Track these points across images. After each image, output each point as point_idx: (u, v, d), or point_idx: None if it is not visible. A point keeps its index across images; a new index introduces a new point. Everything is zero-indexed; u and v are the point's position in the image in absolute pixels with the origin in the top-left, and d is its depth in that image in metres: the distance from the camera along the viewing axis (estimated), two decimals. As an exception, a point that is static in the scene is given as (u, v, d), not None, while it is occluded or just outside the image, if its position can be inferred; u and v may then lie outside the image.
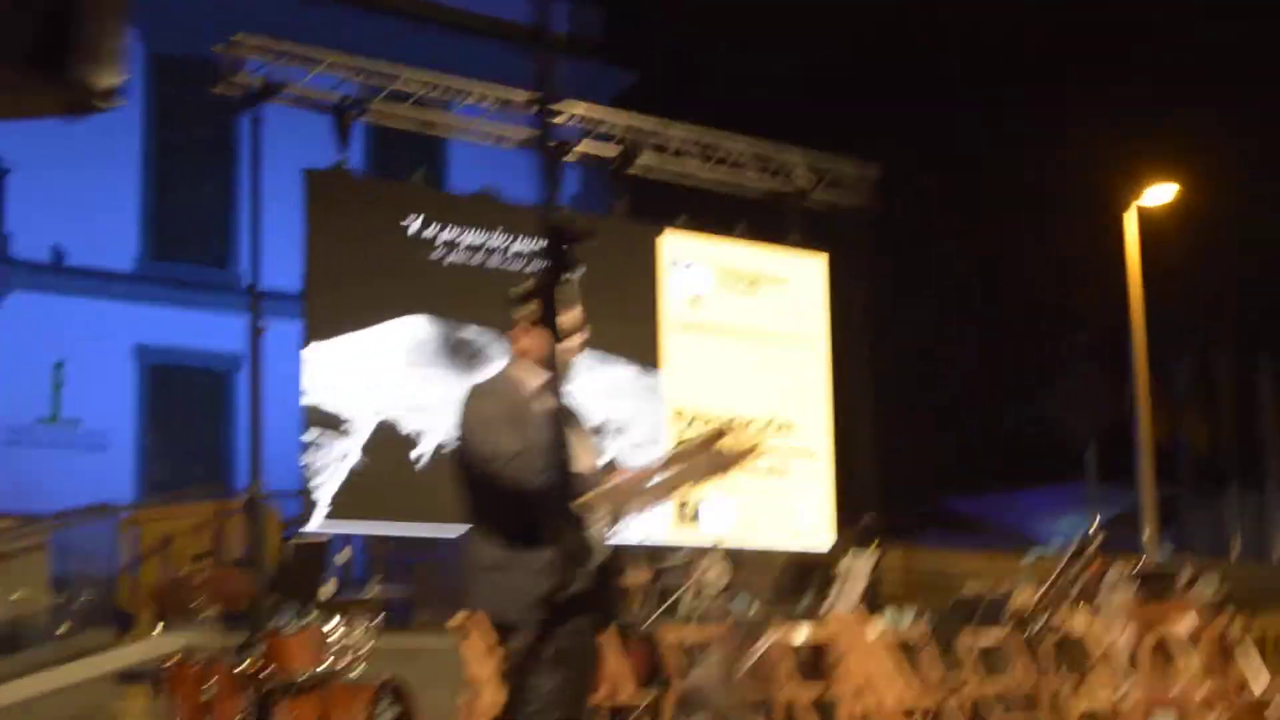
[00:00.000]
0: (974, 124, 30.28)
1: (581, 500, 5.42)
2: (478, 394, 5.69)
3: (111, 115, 3.43)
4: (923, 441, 24.12)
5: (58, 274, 20.65)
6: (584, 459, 5.64)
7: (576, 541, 5.48)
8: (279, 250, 13.10)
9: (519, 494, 5.37)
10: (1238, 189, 25.47)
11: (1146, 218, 20.28)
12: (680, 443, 5.52)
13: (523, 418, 5.52)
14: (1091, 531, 9.73)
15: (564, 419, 5.79)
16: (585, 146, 13.91)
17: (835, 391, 15.14)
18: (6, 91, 3.16)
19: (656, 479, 5.57)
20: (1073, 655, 9.79)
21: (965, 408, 30.21)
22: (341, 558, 9.46)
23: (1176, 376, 25.65)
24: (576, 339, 5.80)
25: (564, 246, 3.61)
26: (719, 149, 14.60)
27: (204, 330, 21.27)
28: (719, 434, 5.60)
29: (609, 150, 14.02)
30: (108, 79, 3.16)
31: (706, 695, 7.44)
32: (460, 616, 8.32)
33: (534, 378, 5.67)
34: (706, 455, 5.61)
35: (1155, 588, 11.06)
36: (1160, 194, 20.29)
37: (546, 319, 3.53)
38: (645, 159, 14.12)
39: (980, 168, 29.02)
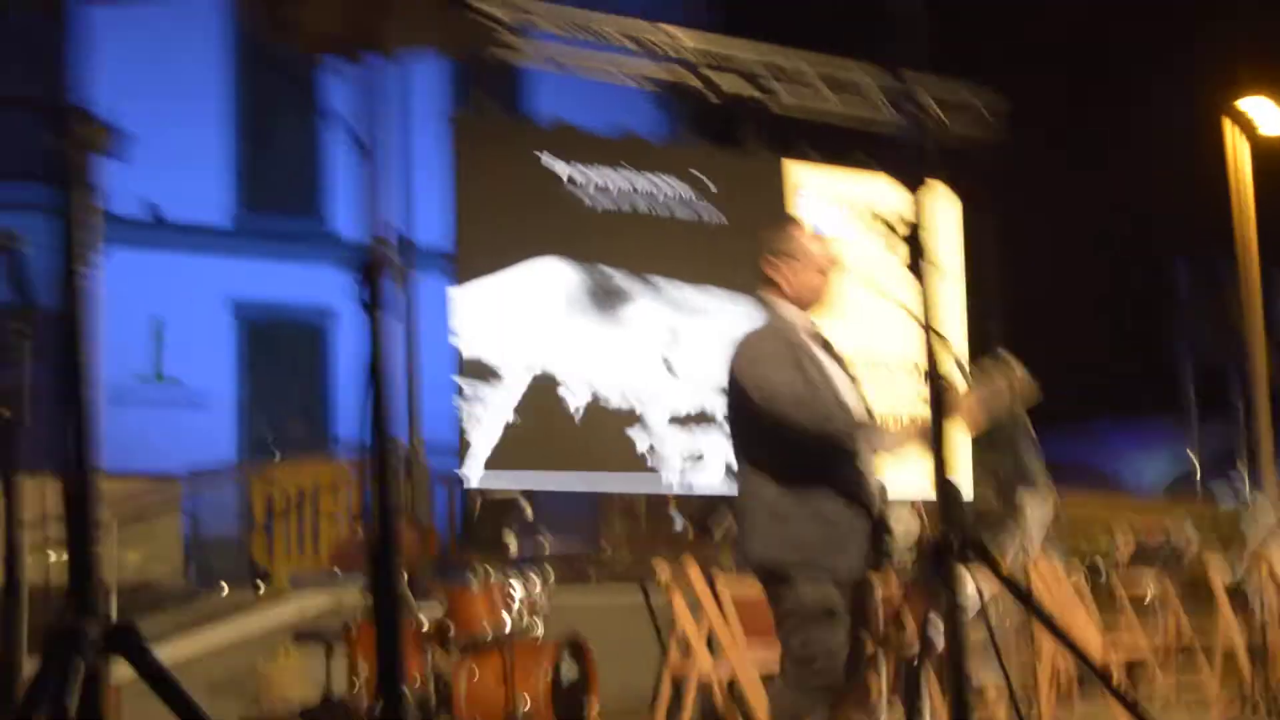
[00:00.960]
0: (1090, 54, 30.01)
1: (868, 444, 5.24)
2: (756, 335, 5.48)
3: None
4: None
5: (154, 229, 20.46)
6: (855, 401, 5.44)
7: (860, 486, 5.26)
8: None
9: (803, 436, 5.15)
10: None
11: (1260, 143, 19.82)
12: (966, 390, 5.24)
13: (801, 359, 5.34)
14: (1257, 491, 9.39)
15: (839, 361, 5.59)
16: (713, 79, 13.54)
17: (970, 330, 14.77)
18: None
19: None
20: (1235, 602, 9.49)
21: (1073, 343, 29.83)
22: (526, 513, 9.19)
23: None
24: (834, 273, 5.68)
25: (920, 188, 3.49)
26: (841, 77, 14.16)
27: (298, 283, 21.03)
28: (1006, 387, 5.37)
29: (736, 84, 13.60)
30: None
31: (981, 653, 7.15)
32: (665, 569, 8.06)
33: (802, 319, 5.51)
34: (982, 403, 5.35)
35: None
36: (1265, 113, 19.83)
37: (916, 262, 3.36)
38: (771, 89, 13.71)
39: (1094, 96, 28.72)
